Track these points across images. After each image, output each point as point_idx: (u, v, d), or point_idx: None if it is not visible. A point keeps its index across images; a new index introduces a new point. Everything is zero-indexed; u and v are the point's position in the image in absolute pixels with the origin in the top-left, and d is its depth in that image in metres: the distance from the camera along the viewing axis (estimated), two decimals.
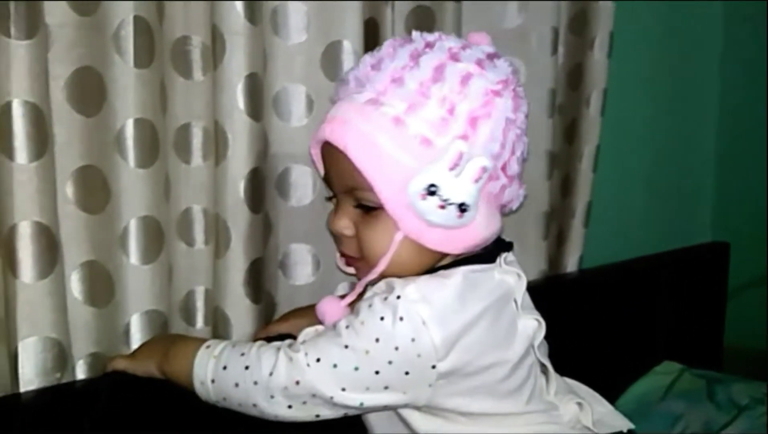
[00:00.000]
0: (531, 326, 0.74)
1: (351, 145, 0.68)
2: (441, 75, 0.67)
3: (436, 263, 0.72)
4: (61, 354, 0.78)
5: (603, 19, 1.25)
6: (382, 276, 0.71)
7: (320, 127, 0.73)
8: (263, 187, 0.94)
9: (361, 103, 0.69)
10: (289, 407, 0.69)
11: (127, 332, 0.86)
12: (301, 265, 1.01)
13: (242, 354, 0.71)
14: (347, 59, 0.97)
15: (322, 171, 0.76)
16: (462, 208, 0.67)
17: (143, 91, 0.83)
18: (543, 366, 0.77)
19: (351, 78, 0.72)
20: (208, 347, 0.74)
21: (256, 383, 0.69)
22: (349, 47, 0.96)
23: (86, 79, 0.81)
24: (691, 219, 1.64)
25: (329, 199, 0.77)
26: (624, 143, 1.44)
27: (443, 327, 0.66)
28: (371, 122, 0.68)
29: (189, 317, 0.95)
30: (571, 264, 1.31)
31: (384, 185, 0.68)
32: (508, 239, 0.78)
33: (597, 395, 0.83)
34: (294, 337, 0.87)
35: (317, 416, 0.70)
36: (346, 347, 0.67)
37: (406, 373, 0.67)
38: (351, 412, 0.71)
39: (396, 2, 1.02)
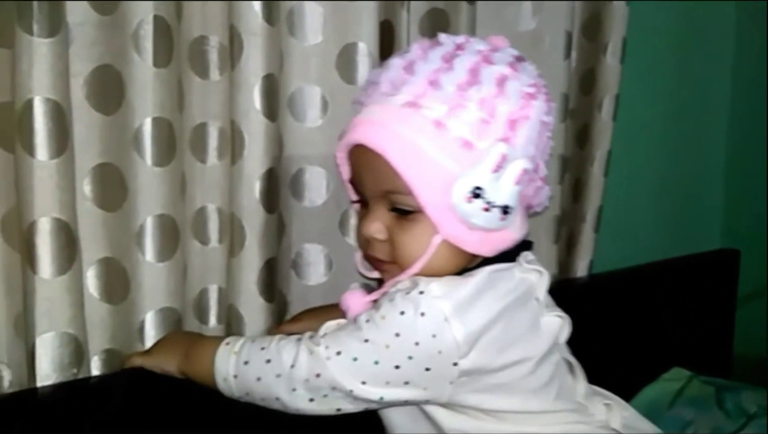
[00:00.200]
0: (554, 323, 0.74)
1: (390, 148, 0.68)
2: (477, 77, 0.68)
3: (466, 265, 0.72)
4: (77, 350, 0.79)
5: (616, 24, 1.25)
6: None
7: (350, 129, 0.72)
8: (278, 187, 0.94)
9: (399, 106, 0.69)
10: (311, 400, 0.69)
11: (141, 329, 0.87)
12: (314, 265, 1.02)
13: (263, 348, 0.71)
14: (362, 61, 0.97)
15: (346, 175, 0.76)
16: (505, 210, 0.68)
17: (161, 90, 0.83)
18: (569, 365, 0.77)
19: (383, 80, 0.71)
20: (227, 344, 0.74)
21: (278, 376, 0.69)
22: (364, 49, 0.97)
23: (105, 77, 0.81)
24: (701, 226, 1.64)
25: (355, 203, 0.76)
26: (635, 149, 1.44)
27: (465, 324, 0.66)
28: (411, 125, 0.67)
29: (202, 315, 0.95)
30: (581, 269, 1.31)
31: (424, 189, 0.67)
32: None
33: (620, 399, 0.83)
34: None
35: (338, 410, 0.70)
36: (367, 341, 0.68)
37: (427, 369, 0.67)
38: (371, 406, 0.71)
39: (411, 4, 1.03)
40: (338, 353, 0.68)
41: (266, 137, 0.90)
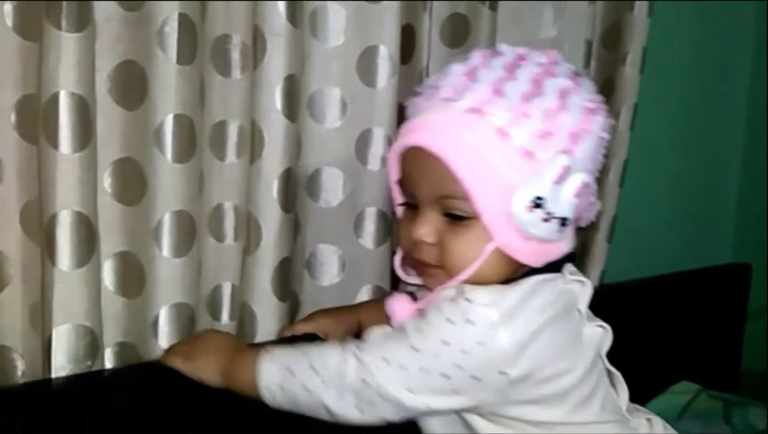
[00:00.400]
0: (597, 333, 0.74)
1: (451, 153, 0.67)
2: (540, 89, 0.67)
3: (511, 275, 0.72)
4: (93, 343, 0.80)
5: (637, 34, 1.25)
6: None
7: (407, 132, 0.72)
8: (295, 187, 0.95)
9: (461, 111, 0.67)
10: (357, 408, 0.69)
11: (155, 323, 0.87)
12: (327, 266, 1.02)
13: (307, 357, 0.71)
14: (383, 64, 0.98)
15: (395, 176, 0.75)
16: (563, 222, 0.67)
17: (184, 87, 0.84)
18: (610, 376, 0.77)
19: (444, 86, 0.70)
20: (268, 353, 0.74)
21: (324, 383, 0.69)
22: (385, 52, 0.97)
23: (129, 73, 0.82)
24: (713, 239, 1.63)
25: (402, 205, 0.75)
26: (650, 160, 1.44)
27: (512, 332, 0.66)
28: (474, 131, 0.67)
29: (215, 311, 0.96)
30: (593, 279, 1.31)
31: (483, 195, 0.67)
32: None
33: (659, 418, 0.82)
34: (318, 338, 0.88)
35: (384, 419, 0.70)
36: (414, 349, 0.67)
37: (474, 377, 0.67)
38: (418, 415, 0.71)
39: (433, 8, 1.03)
40: (385, 361, 0.68)
41: (286, 137, 0.91)
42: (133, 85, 0.83)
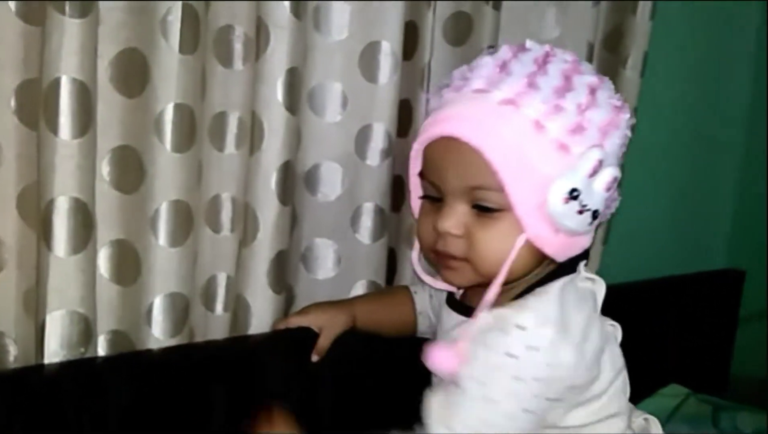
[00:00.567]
0: (611, 330, 0.76)
1: (487, 143, 0.67)
2: (571, 84, 0.68)
3: (534, 269, 0.72)
4: (86, 329, 0.80)
5: (638, 38, 1.25)
6: (485, 282, 0.70)
7: (435, 123, 0.71)
8: (293, 180, 0.95)
9: (496, 103, 0.68)
10: None
11: (149, 312, 0.87)
12: (323, 260, 1.02)
13: None
14: (385, 60, 0.98)
15: (417, 168, 0.75)
16: (594, 215, 0.68)
17: (186, 76, 0.83)
18: None
19: (476, 77, 0.70)
20: None
21: None
22: (387, 48, 0.97)
23: (131, 60, 0.82)
24: (708, 244, 1.64)
25: (423, 198, 0.75)
26: (647, 163, 1.44)
27: (571, 344, 0.66)
28: (510, 123, 0.67)
29: (209, 302, 0.95)
30: None
31: (518, 187, 0.67)
32: None
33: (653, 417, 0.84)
34: (312, 331, 0.89)
35: None
36: (490, 400, 0.66)
37: (550, 400, 0.67)
38: None
39: (437, 6, 1.03)
40: (471, 427, 0.66)
41: (286, 129, 0.91)
42: (134, 73, 0.82)
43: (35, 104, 0.76)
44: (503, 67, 0.69)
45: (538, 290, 0.70)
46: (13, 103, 0.78)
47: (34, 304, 0.79)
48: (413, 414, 0.74)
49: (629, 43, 1.25)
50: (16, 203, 0.80)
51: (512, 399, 0.66)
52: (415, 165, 0.75)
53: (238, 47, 0.90)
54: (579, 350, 0.67)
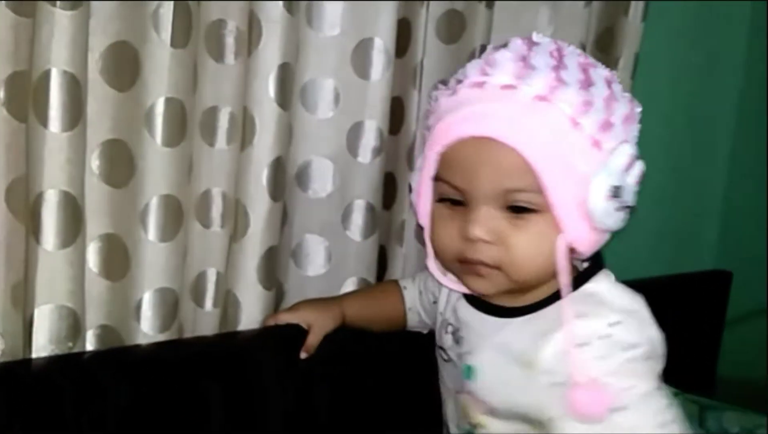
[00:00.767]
0: None
1: (525, 143, 0.64)
2: (590, 77, 0.66)
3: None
4: (75, 324, 0.79)
5: (630, 40, 1.26)
6: (517, 288, 0.69)
7: (458, 122, 0.67)
8: (284, 176, 0.94)
9: (529, 99, 0.65)
10: None
11: (138, 307, 0.86)
12: (313, 256, 1.02)
13: None
14: (377, 57, 0.97)
15: (432, 172, 0.70)
16: (629, 210, 0.68)
17: (177, 70, 0.83)
18: None
19: (501, 72, 0.66)
20: None
21: None
22: (380, 45, 0.97)
23: (122, 53, 0.81)
24: (696, 245, 1.65)
25: (439, 201, 0.71)
26: None
27: (648, 322, 0.68)
28: (547, 120, 0.64)
29: (198, 298, 0.95)
30: None
31: (559, 187, 0.64)
32: None
33: None
34: (302, 328, 0.88)
35: None
36: (647, 395, 0.65)
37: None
38: None
39: (430, 4, 1.03)
40: (664, 424, 0.65)
41: (278, 125, 0.90)
42: (125, 66, 0.81)
43: (25, 96, 0.75)
44: (525, 61, 0.66)
45: (589, 286, 0.70)
46: (2, 95, 0.76)
47: (22, 298, 0.78)
48: (405, 412, 0.74)
49: (621, 44, 1.26)
50: (4, 196, 0.79)
51: (659, 389, 0.66)
52: (429, 167, 0.70)
53: (230, 42, 0.90)
54: (654, 324, 0.68)
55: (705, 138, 1.60)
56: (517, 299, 0.72)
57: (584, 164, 0.65)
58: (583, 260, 0.73)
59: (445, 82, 0.72)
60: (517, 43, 0.68)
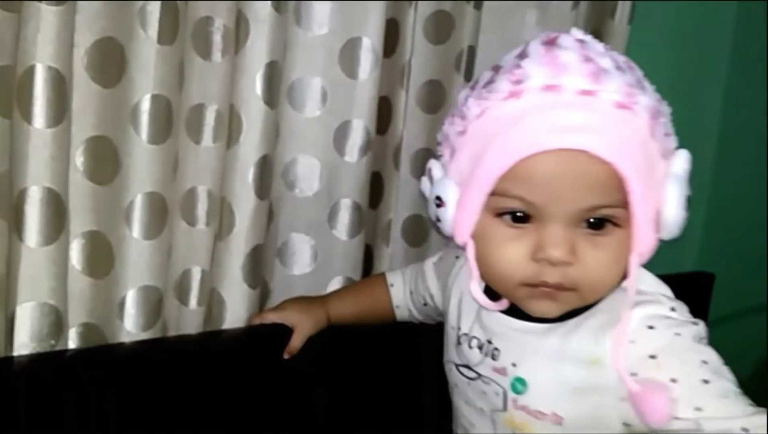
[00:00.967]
0: None
1: (619, 157, 0.58)
2: (636, 76, 0.62)
3: None
4: (57, 322, 0.79)
5: (616, 42, 1.26)
6: (583, 306, 0.64)
7: (540, 132, 0.58)
8: (271, 174, 0.94)
9: (611, 106, 0.59)
10: None
11: (122, 305, 0.86)
12: (299, 255, 1.02)
13: None
14: (365, 56, 0.97)
15: (491, 185, 0.60)
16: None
17: (164, 67, 0.82)
18: None
19: (575, 73, 0.58)
20: None
21: None
22: (368, 44, 0.97)
23: (108, 50, 0.80)
24: (679, 247, 1.66)
25: (517, 220, 0.61)
26: None
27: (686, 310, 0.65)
28: (633, 130, 0.59)
29: (183, 296, 0.95)
30: None
31: (643, 201, 0.59)
32: None
33: None
34: (287, 328, 0.88)
35: None
36: (713, 375, 0.59)
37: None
38: None
39: (418, 4, 1.03)
40: (745, 412, 0.57)
41: (264, 123, 0.90)
42: (111, 62, 0.81)
43: (9, 92, 0.74)
44: (592, 62, 0.59)
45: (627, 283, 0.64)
46: None
47: (4, 295, 0.78)
48: (394, 411, 0.74)
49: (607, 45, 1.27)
50: None
51: (721, 365, 0.61)
52: (485, 180, 0.60)
53: (217, 39, 0.89)
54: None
55: (690, 140, 1.61)
56: None
57: (657, 175, 0.62)
58: None
59: (474, 85, 0.64)
60: (567, 39, 0.61)
